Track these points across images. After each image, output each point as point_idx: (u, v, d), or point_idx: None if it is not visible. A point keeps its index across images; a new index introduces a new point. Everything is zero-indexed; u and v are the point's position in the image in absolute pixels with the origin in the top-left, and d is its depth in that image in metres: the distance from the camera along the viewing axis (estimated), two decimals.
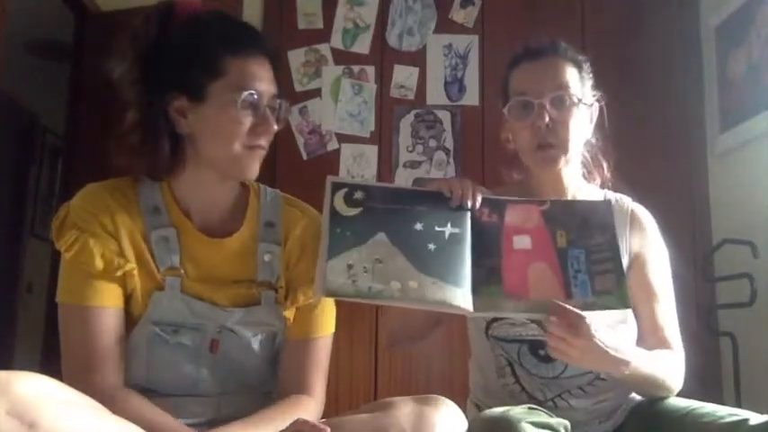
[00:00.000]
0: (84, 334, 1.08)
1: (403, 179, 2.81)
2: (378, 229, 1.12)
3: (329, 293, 1.06)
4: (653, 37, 2.85)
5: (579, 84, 1.31)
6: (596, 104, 1.36)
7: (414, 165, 2.85)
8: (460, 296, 1.09)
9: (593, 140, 1.40)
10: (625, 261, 1.29)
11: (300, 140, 2.87)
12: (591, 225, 1.20)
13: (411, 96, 2.90)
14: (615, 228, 1.20)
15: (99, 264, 1.08)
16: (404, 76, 2.90)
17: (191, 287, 1.14)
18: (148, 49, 1.12)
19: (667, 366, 1.27)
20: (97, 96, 1.96)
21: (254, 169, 1.15)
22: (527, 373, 1.30)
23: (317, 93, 2.91)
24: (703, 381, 2.50)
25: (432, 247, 1.12)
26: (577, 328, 1.09)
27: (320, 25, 2.94)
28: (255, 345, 1.17)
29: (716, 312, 2.53)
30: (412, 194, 1.21)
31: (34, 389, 0.86)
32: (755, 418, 1.09)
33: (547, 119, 1.25)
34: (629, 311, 1.29)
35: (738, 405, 2.10)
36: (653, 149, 2.74)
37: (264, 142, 1.15)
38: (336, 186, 1.15)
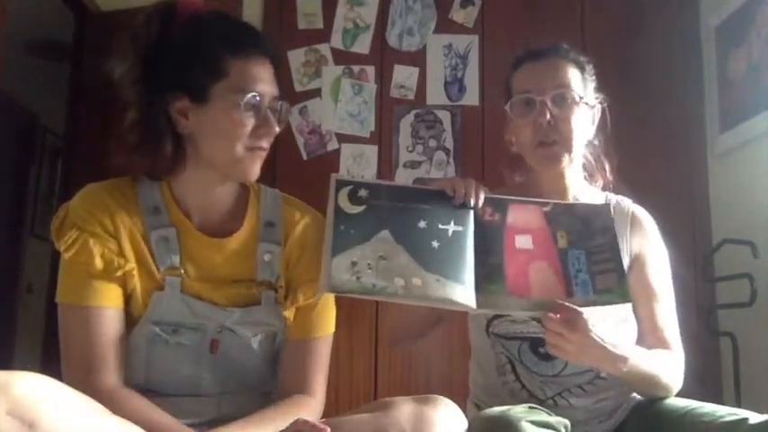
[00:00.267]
0: (83, 334, 1.08)
1: (403, 179, 2.81)
2: (382, 227, 1.13)
3: (333, 289, 1.07)
4: (653, 37, 2.85)
5: (581, 84, 1.32)
6: (598, 106, 1.36)
7: (414, 165, 2.85)
8: (463, 293, 1.10)
9: (596, 142, 1.40)
10: (625, 262, 1.30)
11: (300, 140, 2.87)
12: (592, 227, 1.21)
13: (411, 96, 2.90)
14: (615, 230, 1.21)
15: (99, 264, 1.08)
16: (404, 76, 2.90)
17: (191, 287, 1.14)
18: (149, 48, 1.12)
19: (666, 366, 1.27)
20: (97, 96, 1.96)
21: (255, 170, 1.15)
22: (527, 371, 1.30)
23: (317, 93, 2.91)
24: (703, 381, 2.50)
25: (435, 244, 1.13)
26: (575, 323, 1.10)
27: (320, 25, 2.94)
28: (255, 345, 1.17)
29: (716, 312, 2.53)
30: (416, 193, 1.22)
31: (34, 389, 0.86)
32: (755, 418, 1.09)
33: (548, 116, 1.26)
34: (630, 312, 1.29)
35: (738, 405, 2.10)
36: (653, 149, 2.74)
37: (266, 144, 1.15)
38: (340, 184, 1.16)
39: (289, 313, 1.19)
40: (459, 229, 1.16)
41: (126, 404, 1.03)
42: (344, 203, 1.14)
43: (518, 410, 1.06)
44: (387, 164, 2.85)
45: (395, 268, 1.09)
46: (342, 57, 2.93)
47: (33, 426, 0.82)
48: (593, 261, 1.17)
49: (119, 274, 1.10)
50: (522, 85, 1.32)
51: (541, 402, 1.26)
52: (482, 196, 1.20)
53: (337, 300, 1.24)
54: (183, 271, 1.13)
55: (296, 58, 2.91)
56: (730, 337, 2.36)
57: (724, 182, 2.66)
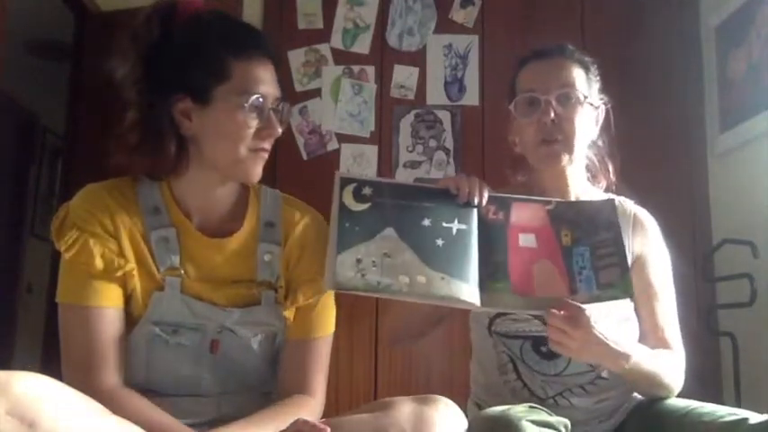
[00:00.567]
0: (84, 334, 1.08)
1: (403, 179, 2.81)
2: (386, 225, 1.13)
3: (338, 286, 1.07)
4: (653, 37, 2.85)
5: (586, 84, 1.33)
6: (602, 107, 1.37)
7: (414, 165, 2.85)
8: (467, 291, 1.10)
9: (600, 143, 1.40)
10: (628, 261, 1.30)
11: (300, 140, 2.87)
12: (595, 223, 1.22)
13: (411, 96, 2.90)
14: (619, 225, 1.21)
15: (99, 264, 1.08)
16: (404, 76, 2.90)
17: (191, 287, 1.14)
18: (150, 48, 1.12)
19: (667, 365, 1.27)
20: (97, 96, 1.96)
21: (257, 171, 1.15)
22: (529, 370, 1.30)
23: (317, 93, 2.91)
24: (703, 381, 2.50)
25: (439, 242, 1.14)
26: (577, 320, 1.10)
27: (320, 25, 2.94)
28: (255, 345, 1.17)
29: (716, 312, 2.53)
30: (420, 191, 1.22)
31: (34, 389, 0.86)
32: (755, 418, 1.09)
33: (552, 115, 1.27)
34: (632, 311, 1.30)
35: (738, 405, 2.10)
36: (653, 149, 2.74)
37: (268, 145, 1.15)
38: (345, 182, 1.16)
39: (289, 313, 1.19)
40: (464, 227, 1.17)
41: (126, 404, 1.03)
42: (349, 201, 1.14)
43: (518, 410, 1.06)
44: (387, 164, 2.85)
45: (399, 266, 1.09)
46: (342, 57, 2.93)
47: (33, 425, 0.82)
48: (597, 257, 1.17)
49: (119, 274, 1.10)
50: (527, 83, 1.32)
51: (542, 402, 1.26)
52: (486, 194, 1.21)
53: (337, 299, 1.24)
54: (182, 271, 1.13)
55: (296, 58, 2.91)
56: (730, 337, 2.36)
57: (724, 182, 2.66)
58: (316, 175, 2.73)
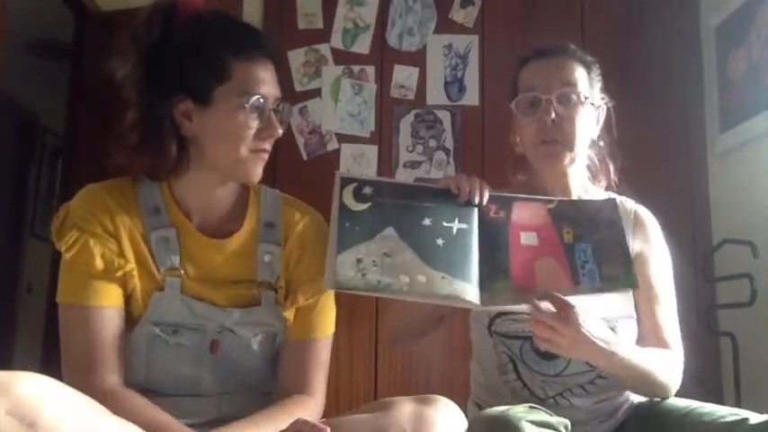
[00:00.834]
0: (84, 334, 1.08)
1: (403, 179, 2.81)
2: (386, 224, 1.13)
3: (339, 286, 1.07)
4: (653, 37, 2.85)
5: (587, 84, 1.33)
6: (604, 106, 1.36)
7: (414, 165, 2.85)
8: (468, 290, 1.10)
9: (601, 143, 1.40)
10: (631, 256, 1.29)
11: (300, 140, 2.87)
12: (597, 222, 1.22)
13: (411, 96, 2.90)
14: (622, 222, 1.21)
15: (99, 264, 1.08)
16: (404, 76, 2.90)
17: (191, 288, 1.14)
18: (151, 49, 1.12)
19: (663, 365, 1.26)
20: (97, 96, 1.96)
21: (258, 172, 1.15)
22: (529, 370, 1.30)
23: (317, 93, 2.91)
24: (703, 381, 2.49)
25: (440, 242, 1.14)
26: (567, 317, 1.10)
27: (320, 25, 2.94)
28: (255, 345, 1.17)
29: (716, 312, 2.53)
30: (420, 190, 1.22)
31: (34, 389, 0.86)
32: (755, 418, 1.09)
33: (553, 114, 1.27)
34: (634, 308, 1.29)
35: (738, 405, 2.10)
36: (653, 149, 2.74)
37: (269, 146, 1.15)
38: (345, 181, 1.16)
39: (289, 314, 1.19)
40: (464, 226, 1.17)
41: (126, 404, 1.03)
42: (349, 201, 1.14)
43: (518, 410, 1.06)
44: (387, 164, 2.85)
45: (400, 265, 1.09)
46: (342, 57, 2.93)
47: (33, 426, 0.82)
48: (599, 252, 1.17)
49: (119, 274, 1.10)
50: (529, 82, 1.32)
51: (542, 402, 1.26)
52: (486, 194, 1.21)
53: (337, 300, 1.24)
54: (183, 271, 1.14)
55: (296, 58, 2.91)
56: (730, 337, 2.36)
57: (724, 182, 2.66)
58: (316, 175, 2.73)
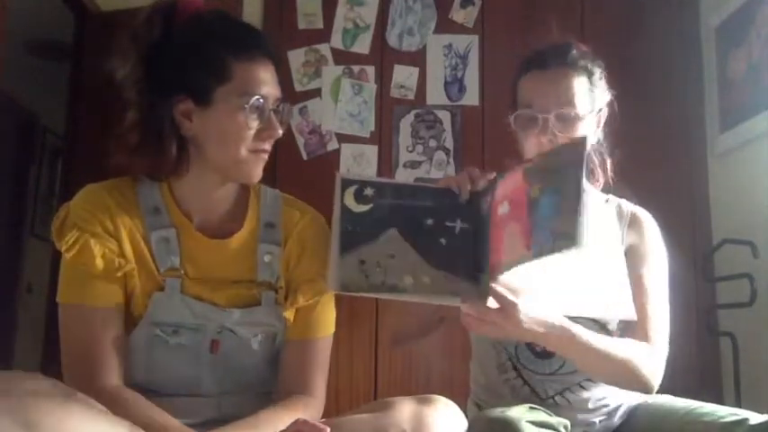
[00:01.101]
0: (84, 334, 1.08)
1: (403, 179, 2.81)
2: (389, 225, 1.13)
3: (343, 288, 1.07)
4: (653, 37, 2.85)
5: (587, 95, 1.30)
6: (604, 108, 1.35)
7: (414, 165, 2.85)
8: (472, 289, 1.10)
9: (600, 138, 1.39)
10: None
11: (300, 140, 2.87)
12: (562, 166, 1.10)
13: (411, 96, 2.89)
14: (582, 163, 1.06)
15: (99, 264, 1.08)
16: (404, 76, 2.90)
17: (191, 288, 1.14)
18: (151, 49, 1.12)
19: (638, 356, 1.21)
20: (97, 96, 1.96)
21: (257, 172, 1.15)
22: (526, 369, 1.30)
23: (317, 93, 2.91)
24: (703, 381, 2.51)
25: (443, 241, 1.13)
26: (506, 315, 1.06)
27: (320, 25, 2.94)
28: (255, 345, 1.17)
29: (716, 312, 2.53)
30: (421, 190, 1.22)
31: (34, 389, 0.86)
32: (755, 418, 1.09)
33: (551, 134, 1.26)
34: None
35: (738, 405, 2.10)
36: (653, 149, 2.74)
37: (269, 146, 1.15)
38: (346, 183, 1.16)
39: (289, 314, 1.19)
40: (467, 225, 1.16)
41: (126, 404, 1.03)
42: (351, 202, 1.14)
43: (518, 410, 1.06)
44: (387, 164, 2.85)
45: (403, 266, 1.09)
46: (342, 57, 2.93)
47: (33, 426, 0.82)
48: (563, 201, 1.06)
49: (119, 274, 1.10)
50: (526, 96, 1.30)
51: (542, 401, 1.26)
52: (482, 181, 1.18)
53: (337, 300, 1.24)
54: (183, 272, 1.14)
55: (296, 58, 2.91)
56: (730, 337, 2.36)
57: (724, 182, 2.66)
58: (316, 175, 2.73)
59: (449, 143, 2.86)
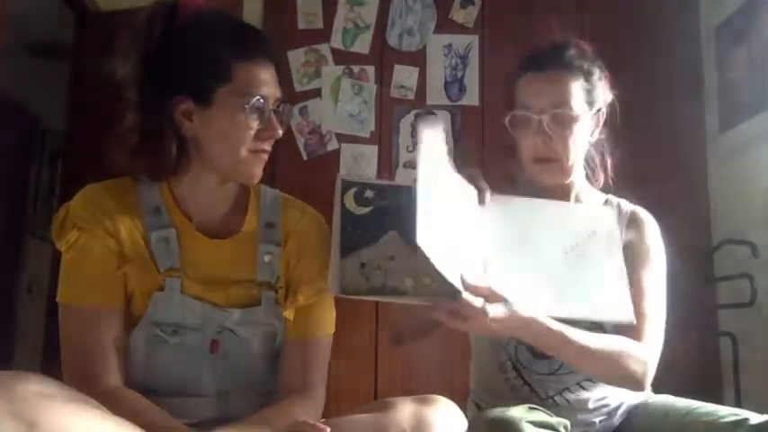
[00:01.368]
0: (84, 334, 1.08)
1: (403, 179, 2.81)
2: (389, 227, 1.13)
3: (343, 291, 1.06)
4: (653, 37, 2.85)
5: (583, 96, 1.29)
6: (604, 108, 1.35)
7: (414, 165, 2.85)
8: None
9: (601, 137, 1.39)
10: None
11: (300, 140, 2.87)
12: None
13: (411, 96, 2.90)
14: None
15: (99, 264, 1.09)
16: (404, 76, 2.91)
17: (191, 288, 1.14)
18: (152, 49, 1.12)
19: (623, 351, 1.18)
20: (97, 96, 1.96)
21: (257, 173, 1.15)
22: (525, 369, 1.30)
23: (317, 93, 2.91)
24: (703, 381, 2.51)
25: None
26: (473, 320, 1.06)
27: (320, 25, 2.94)
28: (255, 345, 1.17)
29: (716, 312, 2.53)
30: None
31: (34, 389, 0.86)
32: (755, 418, 1.09)
33: (545, 134, 1.26)
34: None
35: (738, 405, 2.10)
36: (653, 149, 2.74)
37: (269, 146, 1.15)
38: (346, 185, 1.16)
39: (288, 313, 1.19)
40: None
41: (126, 404, 1.03)
42: (351, 204, 1.14)
43: (518, 410, 1.06)
44: (387, 164, 2.85)
45: (404, 268, 1.08)
46: (342, 57, 2.93)
47: (33, 426, 0.82)
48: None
49: (119, 274, 1.10)
50: (522, 98, 1.30)
51: (542, 401, 1.26)
52: (488, 195, 1.20)
53: (337, 300, 1.24)
54: (182, 272, 1.14)
55: (296, 58, 2.91)
56: (730, 337, 2.36)
57: (724, 182, 2.66)
58: (316, 175, 2.73)
59: (449, 143, 2.86)
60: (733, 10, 2.59)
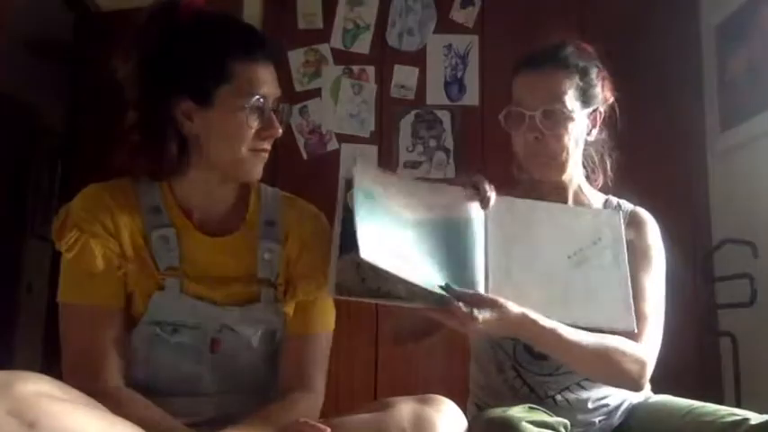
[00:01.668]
0: (84, 334, 1.08)
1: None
2: None
3: (338, 291, 1.06)
4: (653, 37, 2.85)
5: (578, 93, 1.29)
6: (602, 108, 1.35)
7: (414, 165, 2.85)
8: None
9: (600, 138, 1.39)
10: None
11: (300, 140, 2.87)
12: None
13: (411, 96, 2.90)
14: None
15: (100, 264, 1.09)
16: (404, 76, 2.91)
17: (190, 286, 1.14)
18: (152, 49, 1.12)
19: (619, 350, 1.17)
20: (97, 96, 1.96)
21: (257, 171, 1.16)
22: (524, 370, 1.30)
23: (317, 93, 2.91)
24: (703, 381, 2.51)
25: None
26: (464, 323, 1.07)
27: (320, 25, 2.94)
28: (255, 343, 1.17)
29: (716, 312, 2.53)
30: None
31: (34, 389, 0.86)
32: (755, 418, 1.09)
33: (537, 131, 1.26)
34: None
35: (738, 405, 2.10)
36: (653, 149, 2.74)
37: (268, 145, 1.16)
38: (350, 184, 1.16)
39: (288, 309, 1.20)
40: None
41: (126, 404, 1.03)
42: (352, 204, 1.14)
43: (518, 410, 1.06)
44: (387, 164, 2.85)
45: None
46: (342, 57, 2.93)
47: (33, 426, 0.82)
48: None
49: (119, 274, 1.11)
50: (517, 95, 1.31)
51: (542, 401, 1.26)
52: (493, 195, 1.20)
53: (337, 300, 1.24)
54: (182, 270, 1.14)
55: (296, 58, 2.91)
56: (730, 337, 2.36)
57: (724, 182, 2.66)
58: (315, 175, 2.73)
59: (449, 143, 2.86)
60: (733, 10, 2.59)
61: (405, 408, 1.00)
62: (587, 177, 1.41)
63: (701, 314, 2.50)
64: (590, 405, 1.30)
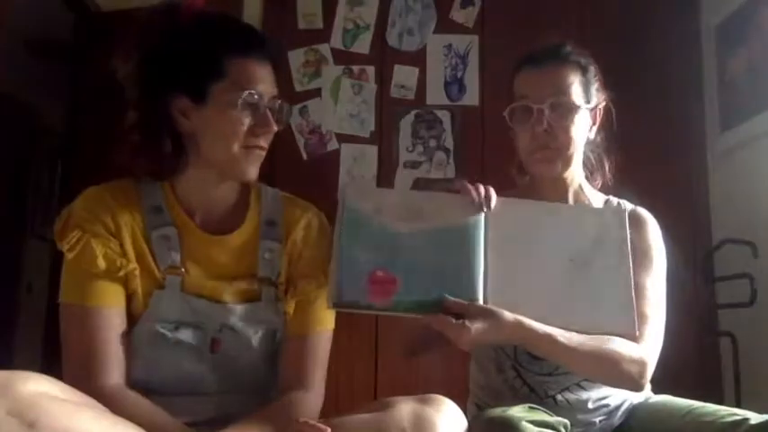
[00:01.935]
0: (85, 334, 1.08)
1: (403, 179, 2.81)
2: None
3: (340, 303, 1.07)
4: (653, 36, 2.85)
5: (581, 88, 1.31)
6: (600, 106, 1.35)
7: (414, 165, 2.85)
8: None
9: (598, 139, 1.39)
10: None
11: (300, 140, 2.87)
12: None
13: (411, 96, 2.90)
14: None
15: (101, 264, 1.09)
16: (404, 76, 2.90)
17: (191, 285, 1.14)
18: (152, 49, 1.13)
19: (618, 351, 1.16)
20: (97, 96, 1.96)
21: (252, 170, 1.15)
22: (524, 370, 1.30)
23: (317, 93, 2.91)
24: (703, 381, 2.51)
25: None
26: (458, 335, 1.07)
27: (320, 25, 2.94)
28: (255, 342, 1.17)
29: (716, 312, 2.53)
30: None
31: (34, 389, 0.86)
32: (755, 418, 1.09)
33: (545, 124, 1.26)
34: None
35: (738, 405, 2.10)
36: (653, 149, 2.74)
37: (263, 143, 1.15)
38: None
39: (289, 307, 1.20)
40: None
41: (127, 404, 1.03)
42: None
43: (518, 410, 1.06)
44: (387, 164, 2.85)
45: None
46: (342, 57, 2.93)
47: (33, 426, 0.82)
48: None
49: (121, 274, 1.11)
50: (521, 90, 1.31)
51: (542, 401, 1.26)
52: (494, 195, 1.20)
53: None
54: (183, 269, 1.14)
55: (296, 58, 2.91)
56: (730, 337, 2.36)
57: (724, 182, 2.66)
58: (315, 175, 2.73)
59: (449, 143, 2.86)
60: (733, 10, 2.59)
61: (405, 408, 1.00)
62: (587, 178, 1.41)
63: (700, 314, 2.50)
64: (590, 405, 1.30)
